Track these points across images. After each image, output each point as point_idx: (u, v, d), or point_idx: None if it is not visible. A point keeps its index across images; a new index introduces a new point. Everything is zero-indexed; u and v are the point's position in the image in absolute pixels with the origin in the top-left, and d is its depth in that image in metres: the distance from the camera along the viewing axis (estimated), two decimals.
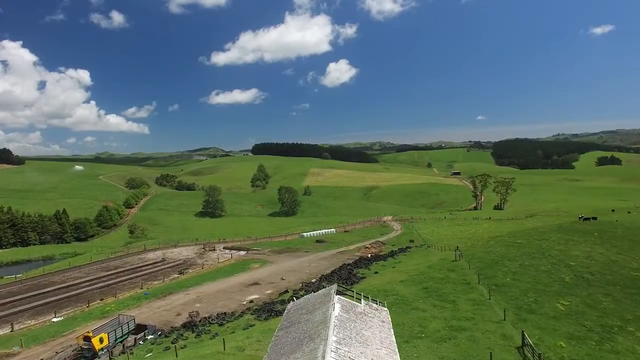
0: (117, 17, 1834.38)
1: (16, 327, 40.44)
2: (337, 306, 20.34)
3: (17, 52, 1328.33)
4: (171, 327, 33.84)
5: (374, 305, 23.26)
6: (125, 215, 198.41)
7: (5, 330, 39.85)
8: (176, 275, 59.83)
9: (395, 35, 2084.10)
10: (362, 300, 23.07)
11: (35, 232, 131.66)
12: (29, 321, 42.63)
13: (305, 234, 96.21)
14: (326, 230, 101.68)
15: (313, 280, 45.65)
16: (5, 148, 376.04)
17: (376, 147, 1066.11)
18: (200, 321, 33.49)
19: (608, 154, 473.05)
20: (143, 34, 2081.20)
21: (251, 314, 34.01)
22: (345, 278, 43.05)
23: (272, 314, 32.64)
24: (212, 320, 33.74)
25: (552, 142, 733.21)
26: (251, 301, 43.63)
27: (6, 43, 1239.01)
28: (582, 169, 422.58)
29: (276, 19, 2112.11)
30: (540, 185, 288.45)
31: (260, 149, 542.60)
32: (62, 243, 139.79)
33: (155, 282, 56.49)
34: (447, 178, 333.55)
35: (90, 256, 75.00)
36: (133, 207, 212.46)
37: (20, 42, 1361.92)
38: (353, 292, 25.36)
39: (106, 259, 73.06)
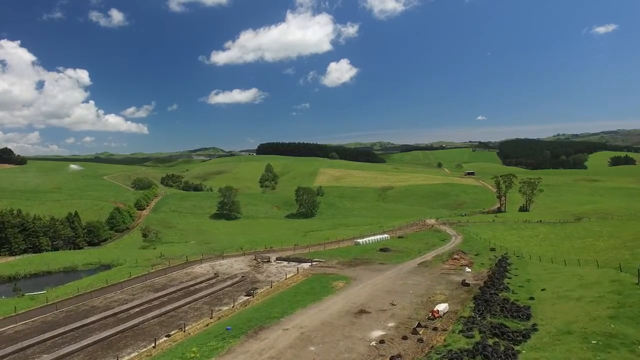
0: (117, 16, 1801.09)
1: None
2: None
3: (15, 52, 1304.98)
4: None
5: None
6: (137, 218, 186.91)
7: None
8: (245, 298, 48.48)
9: (397, 35, 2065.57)
10: None
11: (47, 237, 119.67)
12: None
13: (360, 240, 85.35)
14: (380, 236, 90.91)
15: (461, 313, 34.46)
16: (6, 147, 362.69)
17: (377, 147, 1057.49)
18: None
19: (622, 154, 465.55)
20: (143, 32, 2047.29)
21: None
22: (512, 310, 31.99)
23: None
24: None
25: (558, 142, 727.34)
26: (381, 341, 32.59)
27: (4, 42, 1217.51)
28: (594, 169, 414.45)
29: (277, 18, 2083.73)
30: (559, 186, 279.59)
31: (266, 149, 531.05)
32: (75, 248, 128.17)
33: (224, 308, 45.16)
34: (463, 178, 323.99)
35: (129, 271, 63.48)
36: (144, 209, 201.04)
37: (19, 42, 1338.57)
38: None
39: (147, 274, 61.60)
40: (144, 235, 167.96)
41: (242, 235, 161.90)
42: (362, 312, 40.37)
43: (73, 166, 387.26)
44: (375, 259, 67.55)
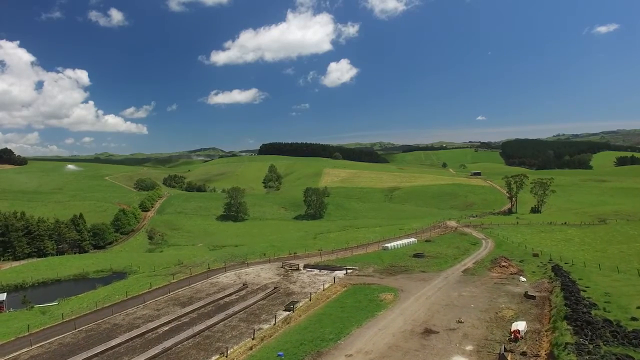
0: (116, 15, 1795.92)
1: None
2: None
3: (14, 52, 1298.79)
4: None
5: None
6: (142, 219, 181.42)
7: None
8: (285, 313, 43.36)
9: (397, 35, 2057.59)
10: None
11: (52, 241, 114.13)
12: None
13: (388, 245, 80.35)
14: (407, 240, 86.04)
15: (558, 338, 29.41)
16: (6, 148, 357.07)
17: (377, 147, 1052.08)
18: None
19: (627, 154, 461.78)
20: (142, 32, 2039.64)
21: None
22: (627, 336, 27.13)
23: None
24: None
25: (560, 142, 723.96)
26: None
27: (3, 43, 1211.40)
28: (600, 169, 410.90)
29: (277, 17, 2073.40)
30: (568, 186, 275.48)
31: (268, 149, 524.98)
32: (81, 252, 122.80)
33: (265, 327, 40.04)
34: (471, 178, 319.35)
35: (148, 281, 58.28)
36: (149, 211, 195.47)
37: (18, 42, 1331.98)
38: None
39: (169, 284, 56.42)
40: (150, 238, 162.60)
41: (250, 237, 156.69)
42: (428, 331, 35.41)
43: (70, 166, 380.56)
44: (412, 266, 62.60)
